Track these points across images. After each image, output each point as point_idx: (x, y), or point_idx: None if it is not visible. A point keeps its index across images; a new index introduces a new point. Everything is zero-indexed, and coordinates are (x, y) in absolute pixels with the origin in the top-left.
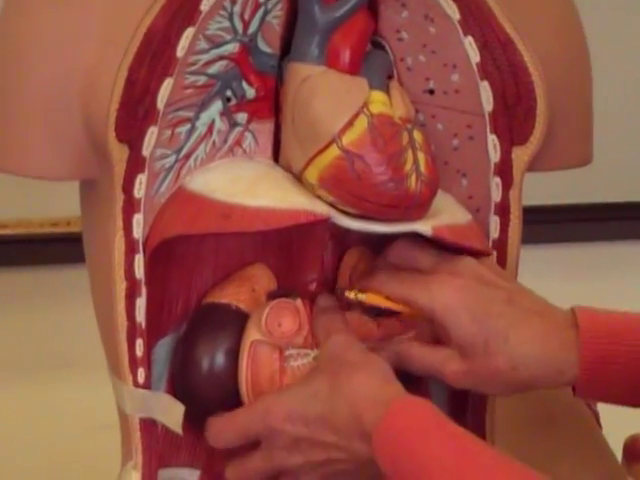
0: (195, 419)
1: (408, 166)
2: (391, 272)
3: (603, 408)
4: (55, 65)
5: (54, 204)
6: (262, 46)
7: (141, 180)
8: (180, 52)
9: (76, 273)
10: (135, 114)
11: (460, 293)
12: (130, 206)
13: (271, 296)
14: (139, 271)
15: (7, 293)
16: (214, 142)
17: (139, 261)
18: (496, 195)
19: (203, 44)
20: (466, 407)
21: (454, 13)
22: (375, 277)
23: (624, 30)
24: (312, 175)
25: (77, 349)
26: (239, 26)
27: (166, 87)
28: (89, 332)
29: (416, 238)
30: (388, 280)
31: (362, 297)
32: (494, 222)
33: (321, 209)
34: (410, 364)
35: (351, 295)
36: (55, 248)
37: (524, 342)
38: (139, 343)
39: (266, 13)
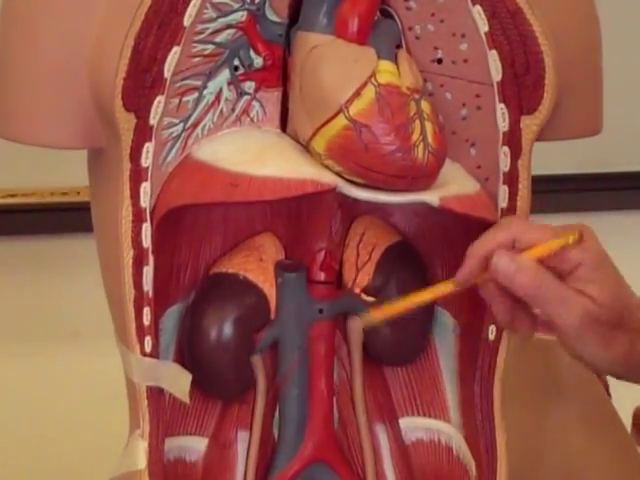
0: (203, 388)
1: (415, 136)
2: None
3: (612, 378)
4: (62, 32)
5: (64, 174)
6: (270, 15)
7: (148, 149)
8: (187, 21)
9: (85, 242)
10: (142, 83)
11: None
12: (137, 175)
13: (279, 266)
14: (146, 240)
15: (16, 262)
16: (222, 111)
17: (146, 230)
18: (505, 164)
19: (210, 13)
20: (474, 378)
21: None
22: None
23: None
24: (319, 145)
25: (86, 318)
26: None
27: (173, 56)
28: (98, 301)
29: None
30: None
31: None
32: (503, 191)
33: (328, 179)
34: None
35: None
36: (65, 217)
37: None
38: (146, 312)
39: None
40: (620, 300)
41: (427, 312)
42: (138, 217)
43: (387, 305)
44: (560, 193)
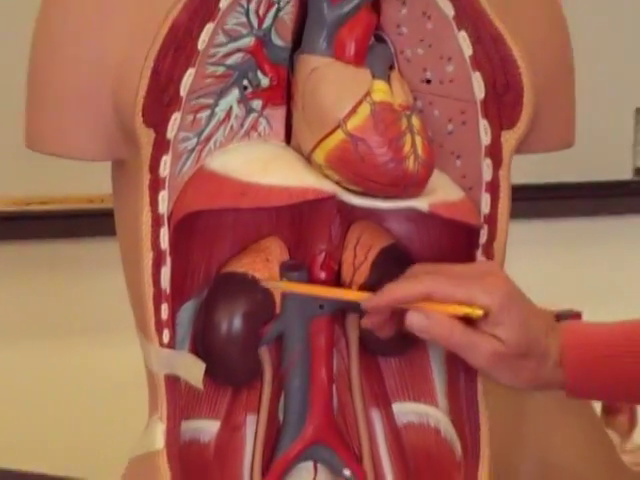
0: (215, 376)
1: (407, 148)
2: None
3: None
4: (89, 57)
5: (90, 183)
6: (275, 40)
7: (166, 161)
8: (201, 45)
9: (109, 245)
10: (160, 101)
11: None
12: (156, 184)
13: (283, 266)
14: (164, 242)
15: (47, 264)
16: (232, 126)
17: (164, 233)
18: (487, 174)
19: (222, 38)
20: (460, 368)
21: (449, 10)
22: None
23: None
24: (320, 156)
25: (110, 313)
26: (254, 21)
27: (188, 77)
28: (121, 298)
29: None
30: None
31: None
32: (485, 199)
33: (328, 187)
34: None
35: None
36: (91, 222)
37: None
38: (164, 307)
39: (279, 10)
40: (526, 333)
41: None
42: (157, 222)
43: (298, 284)
44: (534, 201)
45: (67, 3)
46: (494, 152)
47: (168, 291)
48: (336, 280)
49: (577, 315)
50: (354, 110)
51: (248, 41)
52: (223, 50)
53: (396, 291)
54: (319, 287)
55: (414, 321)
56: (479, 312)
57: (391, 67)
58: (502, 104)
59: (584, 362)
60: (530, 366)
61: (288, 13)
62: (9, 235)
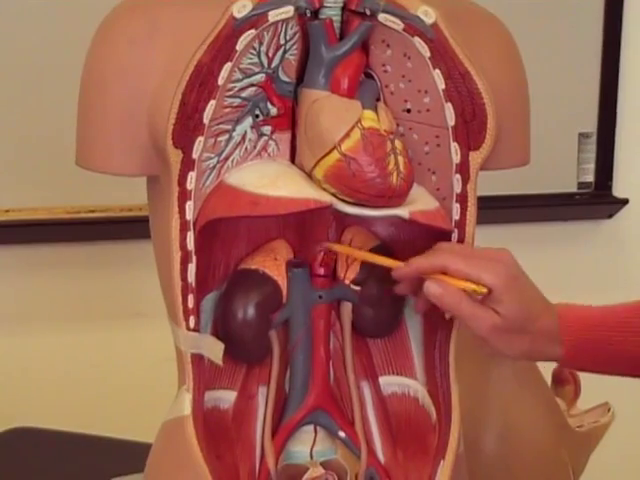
0: (232, 354)
1: (391, 166)
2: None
3: None
4: (129, 91)
5: (129, 194)
6: (282, 76)
7: (192, 176)
8: (221, 81)
9: (145, 246)
10: (187, 127)
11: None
12: (183, 195)
13: (289, 263)
14: (190, 244)
15: (94, 261)
16: (246, 148)
17: (190, 236)
18: (457, 188)
19: (238, 75)
20: (435, 347)
21: (425, 52)
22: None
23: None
24: (319, 173)
25: (146, 302)
26: (265, 61)
27: (210, 107)
28: (155, 290)
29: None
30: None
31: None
32: (455, 208)
33: (326, 198)
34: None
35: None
36: (130, 227)
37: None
38: (190, 298)
39: (285, 52)
40: (523, 312)
41: (401, 299)
42: (184, 227)
43: (350, 248)
44: (495, 209)
45: (113, 45)
46: (463, 169)
47: (194, 284)
48: (332, 275)
49: None
50: (347, 134)
51: (260, 77)
52: (239, 85)
53: (418, 262)
54: (364, 252)
55: (430, 289)
56: (484, 290)
57: (378, 99)
58: (470, 130)
59: (581, 341)
60: (524, 340)
61: (293, 54)
62: (63, 238)
